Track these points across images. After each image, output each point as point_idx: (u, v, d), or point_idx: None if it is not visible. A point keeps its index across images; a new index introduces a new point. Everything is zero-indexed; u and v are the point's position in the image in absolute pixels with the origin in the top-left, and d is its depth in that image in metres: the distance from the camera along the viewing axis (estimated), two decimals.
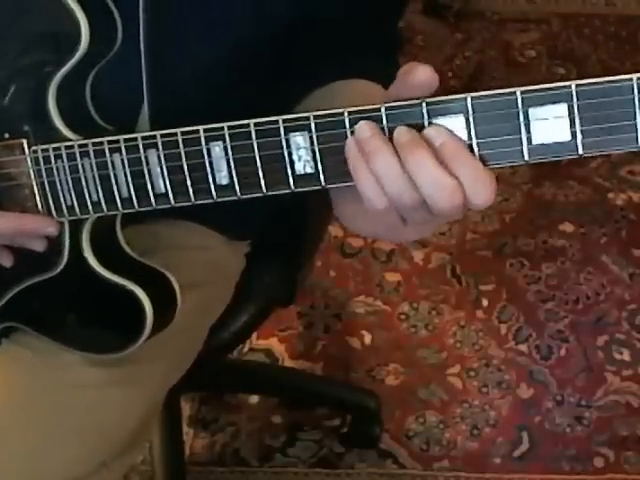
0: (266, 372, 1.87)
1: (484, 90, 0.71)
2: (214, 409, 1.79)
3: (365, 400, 1.76)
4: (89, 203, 0.84)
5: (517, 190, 2.19)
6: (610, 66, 2.52)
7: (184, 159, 0.79)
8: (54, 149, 0.84)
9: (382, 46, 1.03)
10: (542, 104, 0.69)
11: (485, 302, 1.97)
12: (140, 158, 0.80)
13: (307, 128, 0.74)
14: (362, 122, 0.73)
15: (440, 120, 0.72)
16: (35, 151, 0.85)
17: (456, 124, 0.71)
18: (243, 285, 1.24)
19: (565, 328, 1.91)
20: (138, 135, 0.80)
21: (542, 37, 2.65)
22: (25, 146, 0.86)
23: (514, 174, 2.20)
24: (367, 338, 1.91)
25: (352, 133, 0.73)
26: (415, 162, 0.71)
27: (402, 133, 0.72)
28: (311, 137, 0.75)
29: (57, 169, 0.85)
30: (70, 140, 0.84)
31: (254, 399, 1.81)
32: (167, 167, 0.79)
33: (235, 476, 1.71)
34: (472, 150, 0.72)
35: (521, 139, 0.70)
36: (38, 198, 0.87)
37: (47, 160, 0.85)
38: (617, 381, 1.82)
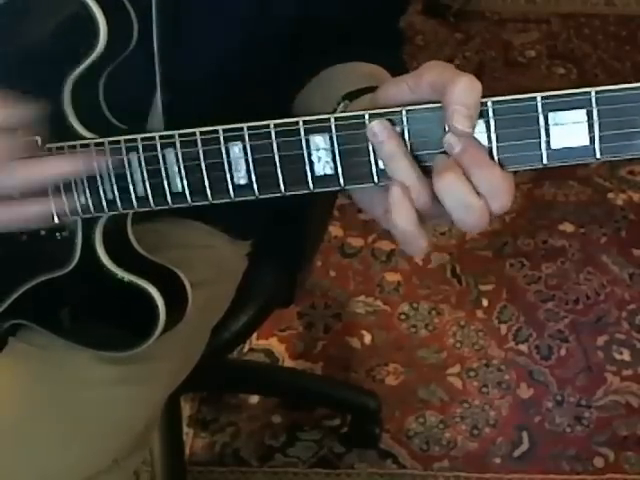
0: (266, 372, 1.87)
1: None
2: (214, 409, 1.79)
3: (365, 400, 1.75)
4: (104, 202, 0.83)
5: (517, 190, 2.15)
6: (610, 66, 2.52)
7: (202, 159, 0.78)
8: (69, 147, 0.83)
9: (384, 41, 1.03)
10: (561, 109, 0.70)
11: (485, 302, 1.96)
12: (157, 157, 0.79)
13: (327, 129, 0.74)
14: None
15: None
16: (49, 149, 0.84)
17: (476, 128, 0.71)
18: (244, 285, 1.23)
19: (565, 328, 1.91)
20: (156, 134, 0.79)
21: (542, 37, 2.64)
22: (39, 143, 0.85)
23: (514, 174, 2.18)
24: (367, 338, 1.91)
25: None
26: (443, 186, 0.72)
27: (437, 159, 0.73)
28: (331, 138, 0.74)
29: None
30: (84, 138, 0.83)
31: (254, 399, 1.81)
32: (185, 166, 0.79)
33: (235, 476, 1.70)
34: (491, 154, 0.72)
35: (540, 143, 0.71)
36: (51, 196, 0.85)
37: None
38: (617, 381, 1.82)
